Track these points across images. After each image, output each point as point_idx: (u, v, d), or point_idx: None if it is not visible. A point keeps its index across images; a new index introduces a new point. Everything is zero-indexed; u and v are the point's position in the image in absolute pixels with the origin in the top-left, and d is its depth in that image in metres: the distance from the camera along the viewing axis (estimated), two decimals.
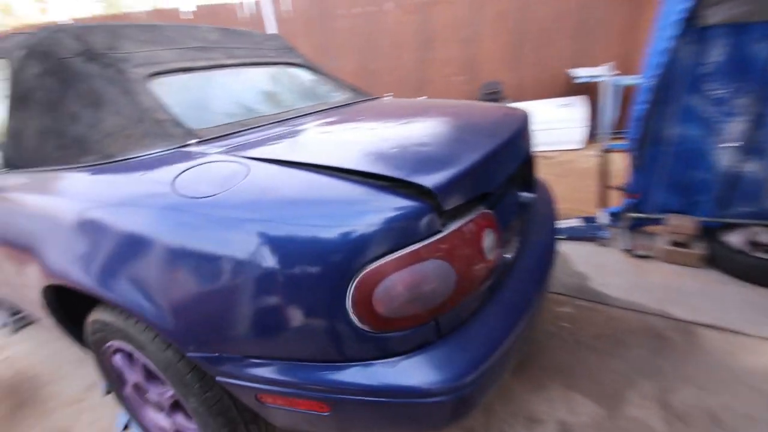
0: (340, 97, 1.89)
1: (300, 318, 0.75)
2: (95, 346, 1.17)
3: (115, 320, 1.00)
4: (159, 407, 1.19)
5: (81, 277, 0.96)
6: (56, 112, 1.15)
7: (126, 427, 1.44)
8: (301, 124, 1.28)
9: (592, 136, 4.65)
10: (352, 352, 0.77)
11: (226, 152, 0.99)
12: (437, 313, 0.79)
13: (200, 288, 0.79)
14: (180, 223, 0.81)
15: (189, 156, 1.00)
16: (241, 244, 0.75)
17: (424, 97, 1.96)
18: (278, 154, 0.95)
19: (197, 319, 0.81)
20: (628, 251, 2.33)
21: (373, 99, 1.93)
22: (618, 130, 4.04)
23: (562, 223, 2.68)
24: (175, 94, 1.29)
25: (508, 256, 1.03)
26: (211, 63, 1.52)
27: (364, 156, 0.93)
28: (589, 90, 4.60)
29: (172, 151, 1.04)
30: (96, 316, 1.07)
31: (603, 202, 2.61)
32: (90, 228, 0.95)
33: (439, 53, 5.15)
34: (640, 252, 2.29)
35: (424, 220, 0.76)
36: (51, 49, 1.19)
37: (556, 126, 4.56)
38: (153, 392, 1.13)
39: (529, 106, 4.68)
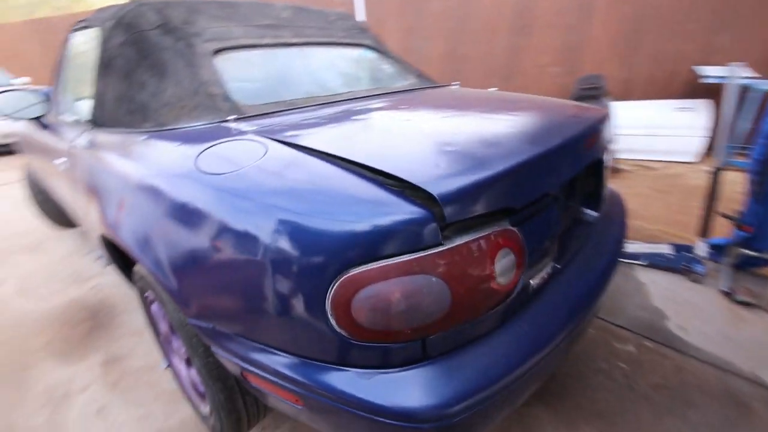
0: (402, 82, 1.81)
1: (280, 307, 0.73)
2: (139, 292, 1.31)
3: (146, 274, 1.10)
4: (180, 359, 1.30)
5: (120, 233, 1.06)
6: (130, 79, 1.27)
7: (168, 365, 1.61)
8: (345, 109, 1.25)
9: (711, 149, 3.91)
10: (329, 355, 0.74)
11: (257, 131, 1.00)
12: (424, 333, 0.71)
13: (196, 259, 0.81)
14: (189, 195, 0.84)
15: (224, 132, 1.03)
16: (232, 225, 0.75)
17: (493, 89, 1.78)
18: (300, 138, 0.93)
19: (194, 288, 0.84)
20: (727, 294, 1.93)
21: (435, 87, 1.82)
22: (744, 144, 3.33)
23: (645, 247, 2.31)
24: (235, 69, 1.35)
25: (534, 281, 0.89)
26: (277, 41, 1.55)
27: (384, 150, 0.87)
28: (713, 93, 3.85)
29: (213, 125, 1.09)
30: (137, 266, 1.19)
31: (705, 229, 2.18)
32: (127, 189, 1.04)
33: (536, 40, 4.71)
34: (742, 297, 1.88)
35: (422, 230, 0.68)
36: (134, 21, 1.31)
37: (669, 132, 3.91)
38: (175, 344, 1.23)
39: (637, 107, 4.09)
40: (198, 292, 0.84)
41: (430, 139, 0.92)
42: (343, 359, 0.73)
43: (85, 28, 1.60)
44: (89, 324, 2.01)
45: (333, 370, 0.74)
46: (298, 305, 0.72)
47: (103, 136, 1.33)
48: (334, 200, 0.72)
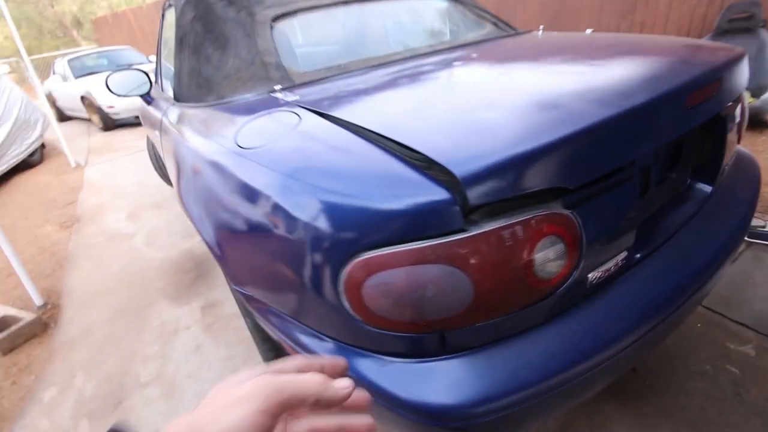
0: (475, 33, 1.61)
1: (297, 282, 0.72)
2: None
3: None
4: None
5: (184, 202, 1.17)
6: (198, 54, 1.34)
7: None
8: (401, 70, 1.15)
9: None
10: (346, 336, 0.72)
11: (298, 101, 0.98)
12: (441, 326, 0.65)
13: (227, 229, 0.85)
14: (226, 169, 0.86)
15: (269, 103, 1.03)
16: (253, 199, 0.76)
17: (589, 31, 1.45)
18: (336, 107, 0.88)
19: (229, 256, 0.89)
20: None
21: (515, 35, 1.58)
22: None
23: None
24: (293, 35, 1.33)
25: (595, 274, 0.74)
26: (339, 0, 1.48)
27: (420, 118, 0.77)
28: None
29: (263, 96, 1.10)
30: None
31: None
32: (187, 162, 1.12)
33: None
34: None
35: (441, 214, 0.59)
36: None
37: None
38: None
39: None
40: (233, 261, 0.89)
41: (480, 103, 0.80)
42: (359, 342, 0.71)
43: (170, 6, 1.73)
44: (195, 273, 2.34)
45: (350, 351, 0.72)
46: (315, 285, 0.70)
47: (179, 111, 1.45)
48: (346, 177, 0.67)
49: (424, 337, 0.66)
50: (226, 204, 0.86)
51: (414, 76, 1.08)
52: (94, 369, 1.80)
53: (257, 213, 0.77)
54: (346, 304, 0.67)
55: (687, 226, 0.93)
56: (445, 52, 1.34)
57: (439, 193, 0.59)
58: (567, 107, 0.72)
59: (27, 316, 2.06)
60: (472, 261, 0.60)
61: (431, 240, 0.60)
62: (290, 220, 0.70)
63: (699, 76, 0.82)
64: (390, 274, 0.62)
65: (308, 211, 0.68)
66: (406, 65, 1.21)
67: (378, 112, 0.85)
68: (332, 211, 0.65)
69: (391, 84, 1.04)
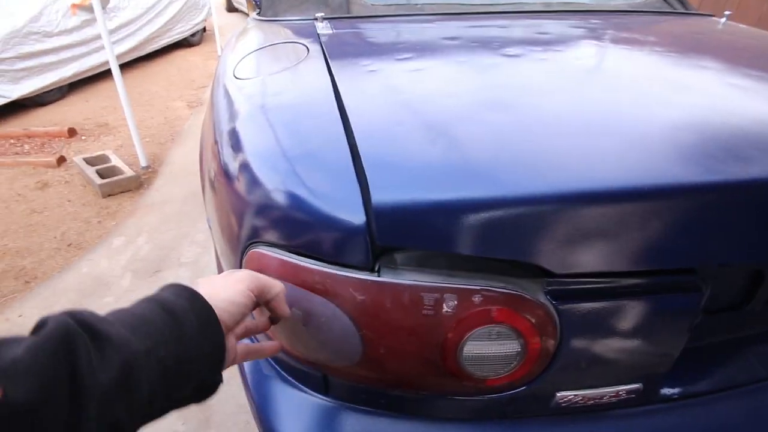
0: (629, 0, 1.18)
1: (227, 237, 0.63)
2: None
3: None
4: None
5: None
6: None
7: None
8: (479, 27, 0.90)
9: None
10: None
11: (328, 37, 0.82)
12: (321, 368, 0.51)
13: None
14: (217, 90, 0.77)
15: (302, 31, 0.89)
16: (217, 130, 0.65)
17: (727, 13, 0.93)
18: (352, 60, 0.71)
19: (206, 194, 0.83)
20: None
21: (683, 14, 1.12)
22: None
23: None
24: None
25: (568, 396, 0.50)
26: None
27: (426, 109, 0.57)
28: None
29: (304, 22, 0.95)
30: None
31: None
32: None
33: None
34: None
35: (347, 239, 0.42)
36: None
37: None
38: None
39: None
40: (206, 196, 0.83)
41: (549, 113, 0.55)
42: None
43: None
44: None
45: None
46: (230, 245, 0.60)
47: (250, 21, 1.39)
48: (286, 151, 0.52)
49: (305, 367, 0.53)
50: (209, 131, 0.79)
51: (490, 44, 0.82)
52: (155, 235, 2.07)
53: (211, 146, 0.68)
54: None
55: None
56: (571, 18, 1.00)
57: (351, 215, 0.42)
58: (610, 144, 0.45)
59: (129, 172, 2.43)
60: (368, 314, 0.44)
61: (325, 266, 0.44)
62: (221, 168, 0.59)
63: None
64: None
65: (237, 169, 0.56)
66: (494, 22, 0.94)
67: (383, 80, 0.65)
68: (255, 181, 0.52)
69: (445, 47, 0.80)
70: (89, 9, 3.54)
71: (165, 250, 1.97)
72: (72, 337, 0.27)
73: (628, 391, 0.51)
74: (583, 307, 0.44)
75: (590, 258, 0.42)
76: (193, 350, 0.33)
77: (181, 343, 0.33)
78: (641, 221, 0.41)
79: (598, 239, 0.41)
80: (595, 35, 0.90)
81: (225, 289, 0.39)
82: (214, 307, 0.36)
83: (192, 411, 1.22)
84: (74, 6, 3.61)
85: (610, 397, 0.51)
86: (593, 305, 0.44)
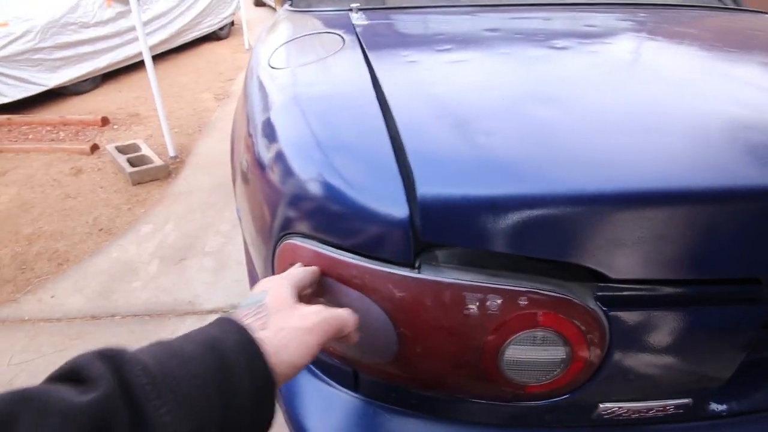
0: None
1: (259, 227, 0.63)
2: None
3: None
4: None
5: None
6: None
7: None
8: (516, 19, 0.86)
9: None
10: None
11: (363, 28, 0.80)
12: (353, 365, 0.49)
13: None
14: (250, 77, 0.77)
15: (336, 22, 0.88)
16: (248, 120, 0.65)
17: None
18: (390, 53, 0.69)
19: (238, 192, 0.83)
20: None
21: (732, 10, 1.05)
22: None
23: None
24: None
25: (613, 408, 0.47)
26: None
27: (453, 105, 0.55)
28: None
29: (340, 13, 0.94)
30: None
31: None
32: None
33: None
34: None
35: (388, 234, 0.41)
36: None
37: None
38: None
39: None
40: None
41: (591, 109, 0.53)
42: None
43: None
44: None
45: None
46: (261, 236, 0.59)
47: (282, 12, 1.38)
48: (321, 142, 0.51)
49: (336, 362, 0.52)
50: (242, 117, 0.79)
51: (534, 36, 0.78)
52: (182, 224, 2.11)
53: (244, 135, 0.67)
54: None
55: None
56: (618, 11, 0.96)
57: (393, 205, 0.40)
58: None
59: (158, 162, 2.48)
60: (406, 312, 0.42)
61: (364, 260, 0.43)
62: (254, 158, 0.58)
63: None
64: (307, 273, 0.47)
65: (272, 159, 0.55)
66: (535, 14, 0.90)
67: (422, 71, 0.63)
68: (290, 171, 0.51)
69: (485, 39, 0.77)
70: (124, 1, 3.64)
71: (190, 238, 2.01)
72: (110, 417, 0.24)
73: (677, 406, 0.48)
74: (635, 316, 0.42)
75: (645, 263, 0.39)
76: (238, 419, 0.30)
77: (227, 413, 0.29)
78: (703, 225, 0.39)
79: (655, 243, 0.38)
80: (643, 29, 0.85)
81: (293, 343, 0.34)
82: (274, 374, 0.31)
83: None
84: None
85: (657, 411, 0.48)
86: (645, 314, 0.42)
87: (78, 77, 3.57)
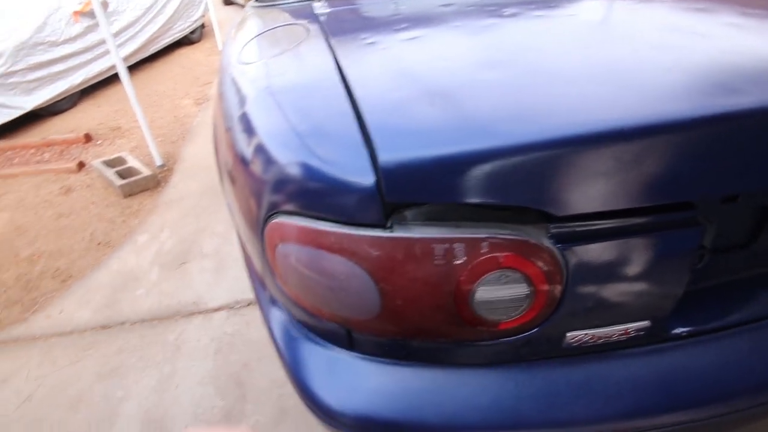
0: None
1: (246, 214, 0.67)
2: None
3: None
4: None
5: None
6: None
7: None
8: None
9: None
10: (272, 289, 0.67)
11: (326, 16, 0.84)
12: (345, 324, 0.55)
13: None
14: (224, 75, 0.80)
15: (300, 12, 0.91)
16: (224, 116, 0.69)
17: None
18: (348, 39, 0.73)
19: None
20: None
21: None
22: None
23: None
24: None
25: (579, 336, 0.53)
26: None
27: (413, 75, 0.59)
28: None
29: (303, 3, 0.97)
30: None
31: None
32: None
33: None
34: None
35: (359, 200, 0.46)
36: None
37: None
38: None
39: None
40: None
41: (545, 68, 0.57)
42: (283, 301, 0.65)
43: None
44: None
45: (273, 304, 0.68)
46: (249, 222, 0.64)
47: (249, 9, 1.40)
48: (294, 126, 0.55)
49: (330, 325, 0.57)
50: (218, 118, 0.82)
51: (485, 7, 0.82)
52: (177, 229, 2.14)
53: (220, 132, 0.71)
54: (269, 259, 0.61)
55: None
56: None
57: (360, 177, 0.45)
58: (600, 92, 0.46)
59: (146, 172, 2.50)
60: (383, 268, 0.47)
61: (342, 227, 0.48)
62: (240, 155, 0.63)
63: None
64: (293, 248, 0.52)
65: (252, 150, 0.59)
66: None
67: (382, 51, 0.67)
68: (269, 159, 0.56)
69: (440, 15, 0.81)
70: (90, 14, 3.59)
71: (187, 243, 2.04)
72: None
73: (637, 329, 0.54)
74: (586, 249, 0.47)
75: (587, 198, 0.44)
76: None
77: None
78: (634, 159, 0.43)
79: (594, 179, 0.43)
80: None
81: None
82: None
83: (229, 387, 1.30)
84: (76, 13, 3.66)
85: (620, 335, 0.54)
86: (596, 246, 0.47)
87: (55, 97, 3.54)
